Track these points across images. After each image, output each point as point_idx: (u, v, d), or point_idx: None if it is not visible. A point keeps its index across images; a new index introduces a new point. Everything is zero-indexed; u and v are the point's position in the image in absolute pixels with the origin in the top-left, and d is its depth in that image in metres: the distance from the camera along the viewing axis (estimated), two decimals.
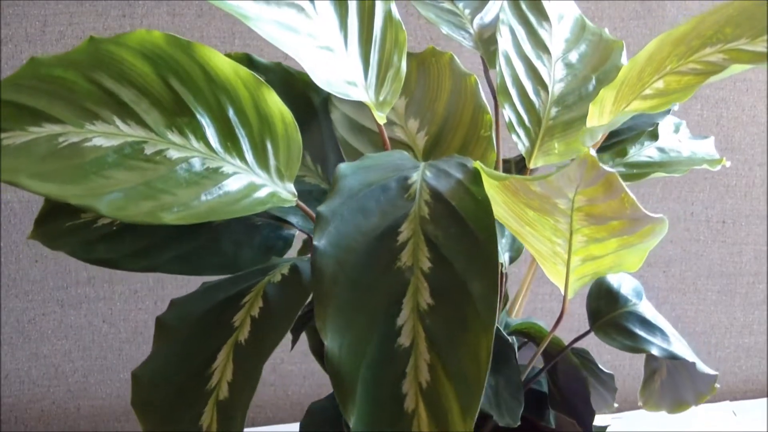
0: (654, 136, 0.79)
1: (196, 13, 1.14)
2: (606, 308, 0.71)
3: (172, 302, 0.66)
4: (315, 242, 0.51)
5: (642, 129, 0.77)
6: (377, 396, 0.49)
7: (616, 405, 0.74)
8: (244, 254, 0.69)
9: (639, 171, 0.77)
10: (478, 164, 0.54)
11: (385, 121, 0.65)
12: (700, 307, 1.31)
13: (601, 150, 0.77)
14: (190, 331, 0.63)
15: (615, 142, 0.77)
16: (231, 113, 0.60)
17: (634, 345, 0.68)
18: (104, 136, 0.56)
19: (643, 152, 0.78)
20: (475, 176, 0.54)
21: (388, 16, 0.67)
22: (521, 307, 0.80)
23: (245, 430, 1.26)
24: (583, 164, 0.48)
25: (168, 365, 0.62)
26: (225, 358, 0.60)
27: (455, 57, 0.72)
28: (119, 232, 0.68)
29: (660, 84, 0.63)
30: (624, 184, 0.49)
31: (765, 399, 1.32)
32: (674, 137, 0.80)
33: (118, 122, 0.57)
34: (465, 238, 0.51)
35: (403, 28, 0.68)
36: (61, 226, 0.68)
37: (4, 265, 1.20)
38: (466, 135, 0.68)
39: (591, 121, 0.65)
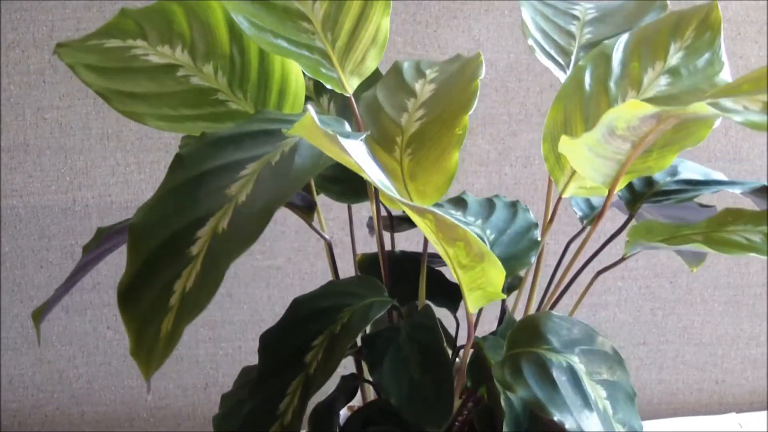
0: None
1: None
2: (524, 342, 0.67)
3: None
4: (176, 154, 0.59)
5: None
6: (155, 281, 0.56)
7: None
8: None
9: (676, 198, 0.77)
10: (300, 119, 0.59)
11: (350, 93, 0.72)
12: (707, 318, 1.30)
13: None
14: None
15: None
16: (259, 70, 0.72)
17: (502, 379, 0.63)
18: (159, 55, 0.70)
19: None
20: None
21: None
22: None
23: None
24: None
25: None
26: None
27: (482, 62, 0.71)
28: None
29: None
30: (344, 145, 0.51)
31: None
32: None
33: (178, 50, 0.70)
34: (279, 183, 0.57)
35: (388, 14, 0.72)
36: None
37: (9, 270, 1.20)
38: (445, 129, 0.69)
39: None
